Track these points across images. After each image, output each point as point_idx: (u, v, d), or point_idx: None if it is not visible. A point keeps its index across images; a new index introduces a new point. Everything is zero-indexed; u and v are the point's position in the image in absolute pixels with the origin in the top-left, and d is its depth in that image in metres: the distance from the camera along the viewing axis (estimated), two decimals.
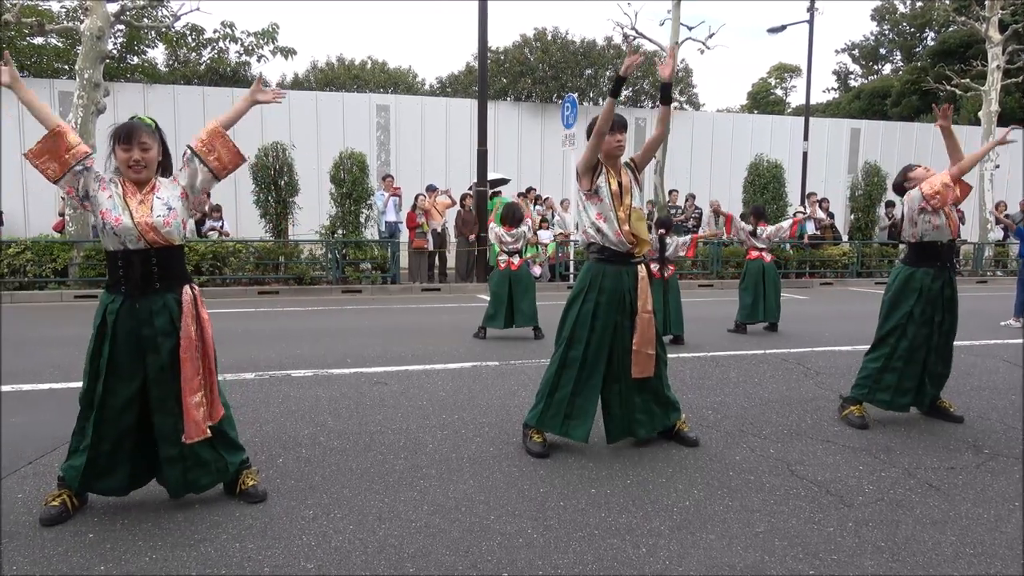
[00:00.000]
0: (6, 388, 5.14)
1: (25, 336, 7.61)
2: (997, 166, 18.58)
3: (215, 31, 19.51)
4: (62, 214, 13.22)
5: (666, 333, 7.21)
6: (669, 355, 4.32)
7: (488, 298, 7.83)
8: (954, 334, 4.42)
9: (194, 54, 22.60)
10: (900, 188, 4.56)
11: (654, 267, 7.25)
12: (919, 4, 36.47)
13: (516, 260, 7.66)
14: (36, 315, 9.59)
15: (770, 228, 8.49)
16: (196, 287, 3.07)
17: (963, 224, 18.00)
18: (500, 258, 7.72)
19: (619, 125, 3.72)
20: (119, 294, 2.92)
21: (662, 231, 7.48)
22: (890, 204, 17.38)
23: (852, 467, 3.62)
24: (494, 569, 2.55)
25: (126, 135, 2.89)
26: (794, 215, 16.39)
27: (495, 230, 7.80)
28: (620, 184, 3.77)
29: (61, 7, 18.81)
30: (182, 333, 2.92)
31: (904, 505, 3.14)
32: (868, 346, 4.59)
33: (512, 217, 7.74)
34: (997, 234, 18.24)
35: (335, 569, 2.54)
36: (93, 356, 2.92)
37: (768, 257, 8.44)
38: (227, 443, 3.12)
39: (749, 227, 8.58)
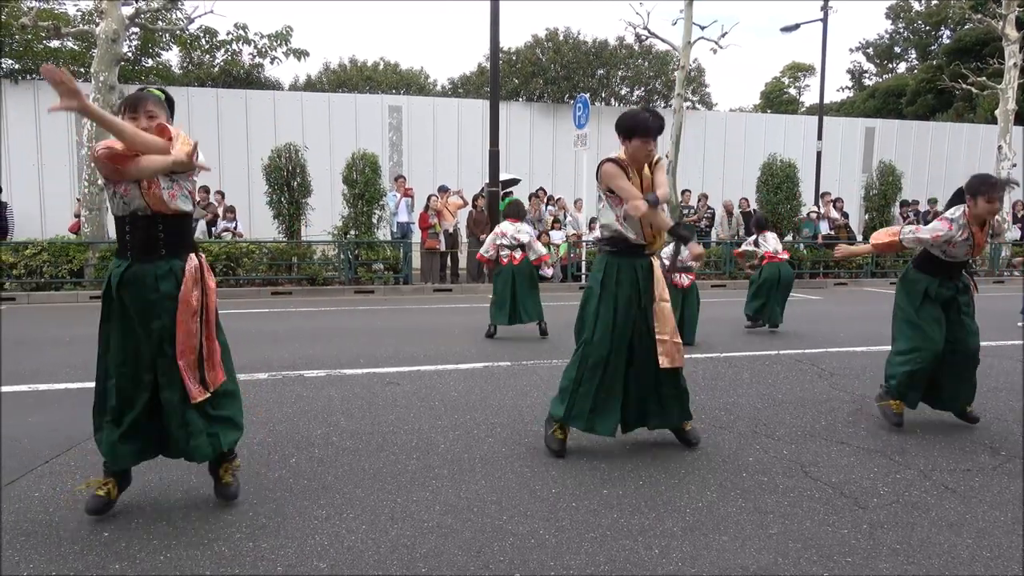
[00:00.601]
0: (23, 388, 5.19)
1: (41, 336, 7.68)
2: (1014, 165, 18.36)
3: (228, 33, 19.57)
4: (78, 215, 13.35)
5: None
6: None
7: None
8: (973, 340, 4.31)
9: (208, 56, 22.73)
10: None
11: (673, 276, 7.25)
12: (934, 2, 36.15)
13: (518, 255, 7.66)
14: (52, 315, 9.69)
15: (771, 235, 8.46)
16: (203, 256, 3.06)
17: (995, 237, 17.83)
18: (502, 253, 7.73)
19: (657, 131, 3.62)
20: (125, 259, 2.92)
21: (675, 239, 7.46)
22: (905, 204, 17.24)
23: (867, 469, 3.59)
24: (506, 570, 2.55)
25: (133, 104, 2.91)
26: (808, 214, 16.34)
27: (496, 229, 7.86)
28: (643, 179, 3.72)
29: (77, 10, 19.04)
30: (180, 297, 2.90)
31: (920, 507, 3.11)
32: (883, 347, 4.54)
33: (516, 212, 7.83)
34: (1015, 234, 18.05)
35: (348, 569, 2.55)
36: (101, 323, 2.97)
37: (784, 257, 8.40)
38: (222, 419, 3.04)
39: (753, 237, 8.54)
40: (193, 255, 2.99)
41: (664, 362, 3.71)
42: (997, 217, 4.12)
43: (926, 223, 4.49)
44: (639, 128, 3.59)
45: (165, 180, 2.88)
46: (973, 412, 4.41)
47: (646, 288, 3.75)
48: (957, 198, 4.30)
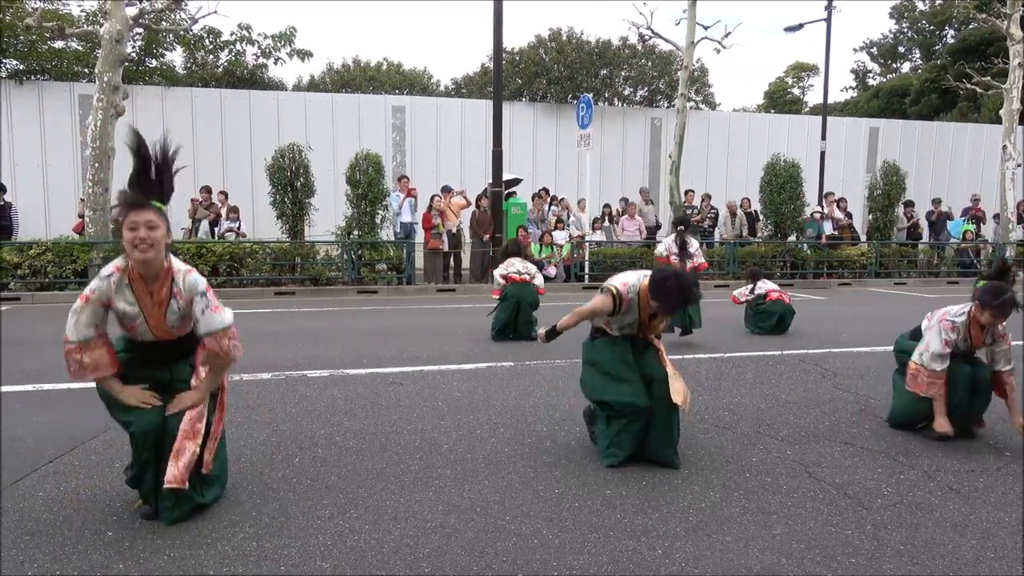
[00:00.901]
0: (27, 388, 5.21)
1: (46, 336, 7.70)
2: (1019, 164, 18.29)
3: (232, 34, 19.64)
4: (81, 215, 13.37)
5: (686, 331, 7.29)
6: (683, 354, 4.29)
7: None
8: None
9: (211, 57, 22.76)
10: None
11: (674, 260, 7.31)
12: (939, 1, 36.04)
13: (528, 276, 7.84)
14: (56, 315, 9.68)
15: (768, 284, 8.35)
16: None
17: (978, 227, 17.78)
18: (511, 271, 7.87)
19: (672, 310, 3.66)
20: (132, 354, 2.99)
21: (681, 227, 7.48)
22: (908, 204, 17.19)
23: (871, 469, 3.58)
24: (509, 570, 2.55)
25: (134, 209, 2.73)
26: (812, 214, 16.31)
27: (500, 270, 7.95)
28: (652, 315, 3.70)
29: (81, 11, 19.06)
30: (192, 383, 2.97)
31: (924, 508, 3.11)
32: (887, 347, 4.53)
33: (516, 250, 8.15)
34: (1019, 234, 17.98)
35: (351, 568, 2.55)
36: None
37: (787, 299, 8.21)
38: (208, 483, 3.06)
39: (749, 286, 8.41)
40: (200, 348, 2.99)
41: (676, 398, 3.53)
42: (1000, 327, 4.07)
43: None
44: (662, 306, 3.52)
45: (175, 318, 2.90)
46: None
47: (641, 340, 3.76)
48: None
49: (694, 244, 7.75)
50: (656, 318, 3.70)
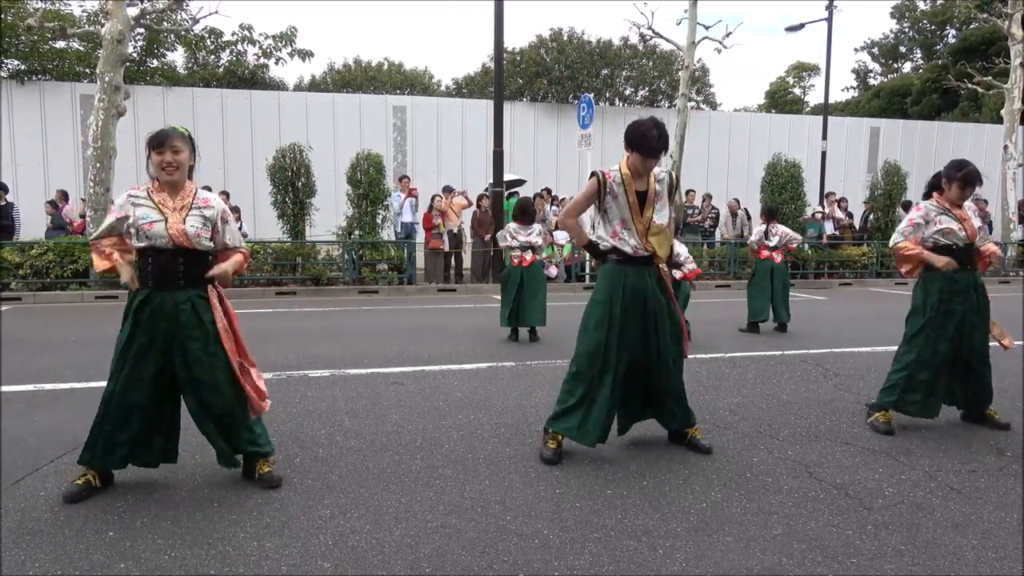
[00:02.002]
0: (29, 388, 5.21)
1: (47, 336, 7.71)
2: (1020, 164, 18.29)
3: (233, 34, 19.59)
4: (83, 216, 13.38)
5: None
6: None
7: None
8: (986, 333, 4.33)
9: (213, 57, 22.76)
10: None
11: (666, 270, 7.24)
12: (940, 1, 35.99)
13: (528, 256, 7.54)
14: (58, 315, 9.72)
15: (782, 228, 8.46)
16: (220, 287, 3.29)
17: (989, 230, 17.76)
18: (513, 254, 7.62)
19: (655, 152, 3.58)
20: (147, 287, 3.12)
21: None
22: (908, 204, 17.18)
23: (872, 469, 3.58)
24: (510, 569, 2.55)
25: (159, 140, 3.08)
26: (813, 214, 16.30)
27: (507, 229, 7.71)
28: (642, 193, 3.68)
29: (82, 11, 19.06)
30: (218, 325, 3.16)
31: (925, 508, 3.10)
32: (889, 347, 4.53)
33: (524, 213, 7.64)
34: (1020, 234, 17.97)
35: (352, 568, 2.55)
36: (121, 346, 3.13)
37: (778, 258, 8.38)
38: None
39: (762, 227, 8.54)
40: (212, 286, 3.22)
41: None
42: (988, 208, 4.23)
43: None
44: (642, 147, 3.56)
45: (196, 222, 3.12)
46: (1001, 419, 4.37)
47: (654, 297, 3.71)
48: (932, 183, 4.43)
49: (683, 252, 7.49)
50: (646, 205, 3.67)
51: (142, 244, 3.09)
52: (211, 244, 3.21)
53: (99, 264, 3.22)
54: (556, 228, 14.56)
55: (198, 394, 3.17)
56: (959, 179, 4.15)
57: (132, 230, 3.11)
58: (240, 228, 13.68)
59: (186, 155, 3.12)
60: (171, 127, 3.16)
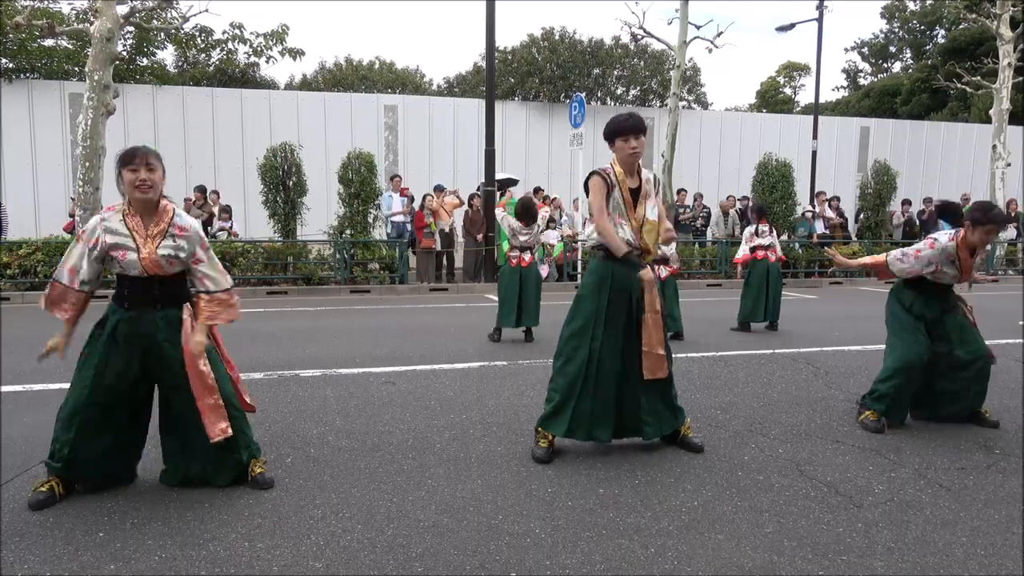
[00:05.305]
0: (17, 388, 5.17)
1: (36, 336, 7.64)
2: (1008, 164, 18.41)
3: (224, 32, 19.55)
4: (72, 215, 13.29)
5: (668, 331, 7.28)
6: (675, 353, 4.29)
7: (496, 298, 7.78)
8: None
9: (203, 55, 22.67)
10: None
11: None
12: (929, 2, 36.20)
13: (527, 256, 7.50)
14: (46, 316, 9.62)
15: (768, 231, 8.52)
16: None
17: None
18: (511, 254, 7.57)
19: (633, 129, 3.65)
20: (122, 308, 3.11)
21: None
22: (906, 203, 17.29)
23: (862, 467, 3.60)
24: (502, 569, 2.55)
25: (131, 156, 2.99)
26: (803, 213, 16.36)
27: (509, 221, 7.58)
28: (634, 191, 3.72)
29: (71, 9, 18.93)
30: (184, 347, 3.10)
31: (914, 506, 3.12)
32: (878, 346, 4.56)
33: (527, 213, 7.51)
34: (1009, 233, 18.09)
35: (343, 568, 2.55)
36: (86, 358, 3.22)
37: (773, 257, 8.39)
38: (243, 441, 3.29)
39: (752, 227, 8.56)
40: (187, 305, 3.18)
41: (646, 373, 3.69)
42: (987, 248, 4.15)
43: (922, 223, 4.54)
44: (618, 129, 3.67)
45: (169, 248, 3.04)
46: (991, 417, 4.38)
47: (637, 296, 3.72)
48: (948, 215, 4.30)
49: (669, 248, 7.50)
50: (638, 201, 3.73)
51: (117, 271, 3.07)
52: (184, 267, 3.13)
53: (52, 312, 3.22)
54: (547, 228, 14.56)
55: (181, 422, 3.22)
56: (985, 224, 3.95)
57: (101, 256, 3.05)
58: (231, 227, 13.67)
59: (160, 173, 3.03)
60: (143, 146, 3.06)
